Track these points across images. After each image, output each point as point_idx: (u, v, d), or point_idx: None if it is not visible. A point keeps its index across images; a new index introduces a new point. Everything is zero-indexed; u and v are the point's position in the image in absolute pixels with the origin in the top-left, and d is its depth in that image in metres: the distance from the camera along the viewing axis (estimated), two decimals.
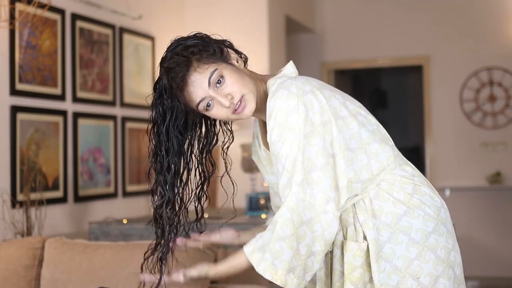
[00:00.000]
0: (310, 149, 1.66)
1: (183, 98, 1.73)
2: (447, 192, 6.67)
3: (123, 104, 4.73)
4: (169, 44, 1.77)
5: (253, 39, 5.41)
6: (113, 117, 4.63)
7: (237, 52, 1.82)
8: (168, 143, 1.75)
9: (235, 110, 1.73)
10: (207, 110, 1.74)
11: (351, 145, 1.73)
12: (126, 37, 4.81)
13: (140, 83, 4.95)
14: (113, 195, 4.62)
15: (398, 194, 1.75)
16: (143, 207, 4.93)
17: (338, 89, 1.84)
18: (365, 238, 1.73)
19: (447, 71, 6.78)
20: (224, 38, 1.81)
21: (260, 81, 1.82)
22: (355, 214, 1.74)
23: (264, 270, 1.61)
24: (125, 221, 3.99)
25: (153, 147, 1.77)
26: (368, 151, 1.75)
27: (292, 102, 1.67)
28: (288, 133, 1.67)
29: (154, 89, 1.76)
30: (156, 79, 1.77)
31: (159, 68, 1.77)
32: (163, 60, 1.75)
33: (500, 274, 6.54)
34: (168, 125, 1.73)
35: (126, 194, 4.75)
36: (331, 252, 1.78)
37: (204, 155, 1.85)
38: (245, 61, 1.84)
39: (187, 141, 1.81)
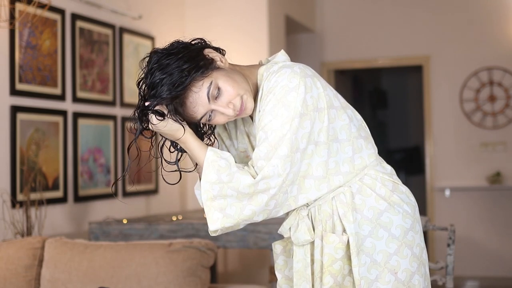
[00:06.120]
0: (300, 131, 1.69)
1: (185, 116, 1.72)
2: (447, 192, 6.68)
3: (123, 104, 4.73)
4: (151, 63, 1.68)
5: (253, 39, 5.41)
6: (113, 117, 4.63)
7: (216, 49, 1.78)
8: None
9: (238, 113, 1.75)
10: (209, 121, 1.74)
11: (340, 136, 1.77)
12: (126, 37, 4.81)
13: None
14: (113, 195, 4.62)
15: (380, 190, 1.79)
16: (143, 207, 4.92)
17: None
18: (344, 231, 1.76)
19: (447, 71, 6.78)
20: (198, 38, 1.76)
21: (248, 72, 1.82)
22: (335, 207, 1.77)
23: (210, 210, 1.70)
24: (125, 221, 3.99)
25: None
26: (355, 144, 1.80)
27: (295, 81, 1.71)
28: (282, 109, 1.69)
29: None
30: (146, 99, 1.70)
31: (146, 87, 1.69)
32: (153, 88, 1.66)
33: (500, 274, 6.54)
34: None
35: (126, 194, 4.75)
36: (312, 243, 1.80)
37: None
38: (224, 55, 1.80)
39: None
